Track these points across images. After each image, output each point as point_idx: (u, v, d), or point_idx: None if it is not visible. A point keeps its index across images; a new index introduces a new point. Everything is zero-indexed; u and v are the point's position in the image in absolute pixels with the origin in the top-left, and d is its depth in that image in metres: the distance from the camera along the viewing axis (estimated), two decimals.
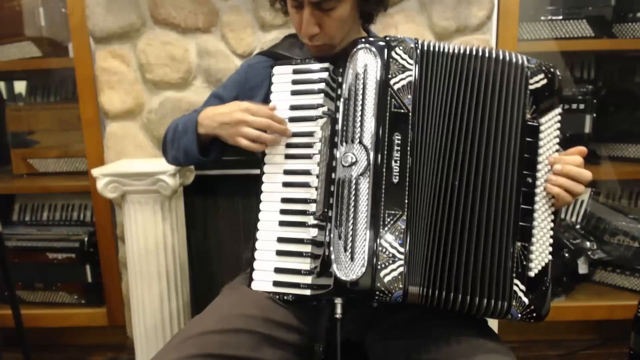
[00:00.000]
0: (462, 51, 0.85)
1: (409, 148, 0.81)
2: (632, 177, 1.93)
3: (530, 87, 0.85)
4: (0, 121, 2.02)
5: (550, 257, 0.83)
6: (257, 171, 0.95)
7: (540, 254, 0.83)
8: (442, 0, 1.61)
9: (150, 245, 1.51)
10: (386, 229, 0.78)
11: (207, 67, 1.66)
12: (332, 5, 0.93)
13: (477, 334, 0.85)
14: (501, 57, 0.85)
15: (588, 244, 1.90)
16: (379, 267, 0.76)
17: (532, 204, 0.83)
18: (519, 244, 0.82)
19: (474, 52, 0.85)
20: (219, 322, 0.83)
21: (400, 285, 0.76)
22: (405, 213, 0.79)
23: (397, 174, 0.80)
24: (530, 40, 1.83)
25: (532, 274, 0.82)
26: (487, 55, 0.85)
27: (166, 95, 1.69)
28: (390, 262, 0.77)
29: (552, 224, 0.84)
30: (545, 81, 0.85)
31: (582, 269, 1.88)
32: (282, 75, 0.96)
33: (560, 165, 0.83)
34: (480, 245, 0.81)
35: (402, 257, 0.77)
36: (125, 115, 1.71)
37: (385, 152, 0.80)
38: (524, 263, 0.82)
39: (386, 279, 0.76)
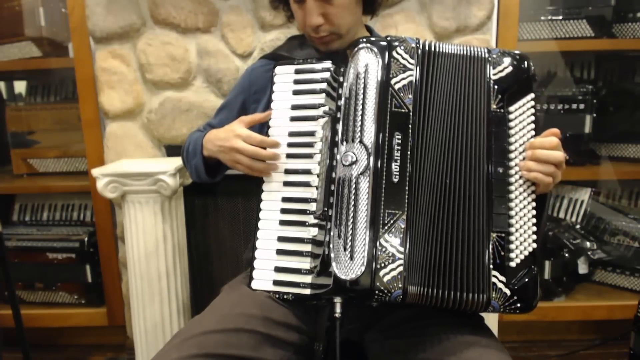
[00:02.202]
0: (458, 51, 0.85)
1: (409, 148, 0.81)
2: (632, 177, 1.92)
3: (493, 77, 0.85)
4: (0, 121, 2.02)
5: (534, 245, 0.81)
6: None
7: (522, 243, 0.81)
8: (442, 0, 1.61)
9: (150, 245, 1.51)
10: (386, 228, 0.78)
11: (207, 67, 1.66)
12: None
13: (472, 331, 0.85)
14: (461, 52, 0.85)
15: (588, 244, 1.90)
16: (378, 266, 0.76)
17: (506, 192, 0.82)
18: (494, 234, 0.81)
19: (454, 51, 0.85)
20: (219, 321, 0.83)
21: (400, 285, 0.76)
22: (405, 213, 0.79)
23: (397, 173, 0.80)
24: (530, 40, 1.83)
25: (513, 264, 0.80)
26: (455, 52, 0.85)
27: (166, 95, 1.69)
28: (390, 261, 0.77)
29: (534, 212, 0.82)
30: (510, 69, 0.85)
31: (582, 269, 1.88)
32: (284, 75, 0.96)
33: (530, 151, 0.83)
34: (464, 240, 0.81)
35: (401, 256, 0.77)
36: (125, 115, 1.71)
37: (386, 152, 0.80)
38: (502, 253, 0.80)
39: (385, 279, 0.76)
